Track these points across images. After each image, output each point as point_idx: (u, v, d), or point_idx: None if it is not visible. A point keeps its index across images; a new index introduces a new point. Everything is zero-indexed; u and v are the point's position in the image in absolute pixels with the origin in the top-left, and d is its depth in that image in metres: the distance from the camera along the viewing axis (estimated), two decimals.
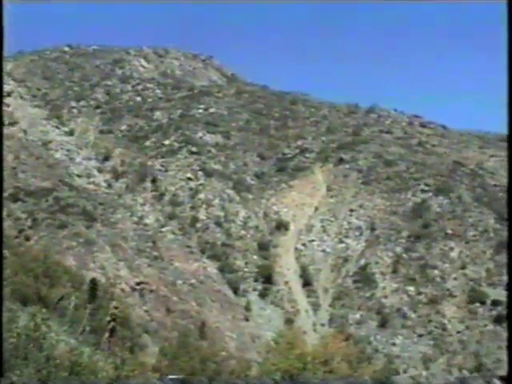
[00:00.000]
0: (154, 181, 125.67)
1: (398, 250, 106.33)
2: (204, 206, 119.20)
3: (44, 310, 19.29)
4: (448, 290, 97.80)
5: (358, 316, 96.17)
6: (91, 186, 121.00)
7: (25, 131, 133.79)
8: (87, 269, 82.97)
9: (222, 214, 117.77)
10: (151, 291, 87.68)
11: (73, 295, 37.93)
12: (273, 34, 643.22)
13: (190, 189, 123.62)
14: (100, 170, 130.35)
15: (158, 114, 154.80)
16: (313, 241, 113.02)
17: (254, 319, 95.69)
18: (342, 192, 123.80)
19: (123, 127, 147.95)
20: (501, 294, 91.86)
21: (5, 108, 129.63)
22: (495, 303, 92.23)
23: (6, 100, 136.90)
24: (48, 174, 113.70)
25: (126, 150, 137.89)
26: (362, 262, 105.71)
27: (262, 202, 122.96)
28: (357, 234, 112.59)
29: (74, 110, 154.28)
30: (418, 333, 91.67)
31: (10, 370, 15.61)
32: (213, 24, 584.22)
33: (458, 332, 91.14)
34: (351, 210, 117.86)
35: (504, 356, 74.99)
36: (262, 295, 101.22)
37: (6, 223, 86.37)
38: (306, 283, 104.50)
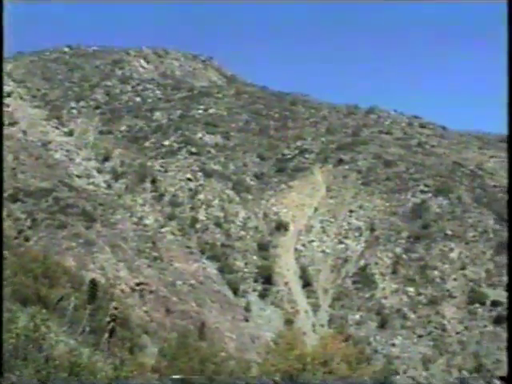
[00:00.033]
0: (153, 181, 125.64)
1: (398, 250, 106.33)
2: (204, 206, 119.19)
3: (43, 311, 19.30)
4: (448, 290, 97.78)
5: (357, 317, 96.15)
6: (91, 187, 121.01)
7: (24, 132, 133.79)
8: (87, 269, 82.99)
9: (221, 214, 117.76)
10: (151, 292, 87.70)
11: (72, 296, 37.93)
12: (272, 34, 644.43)
13: (190, 189, 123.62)
14: (100, 171, 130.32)
15: (157, 114, 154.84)
16: (312, 241, 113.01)
17: (253, 320, 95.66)
18: (341, 193, 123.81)
19: (123, 128, 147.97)
20: (500, 295, 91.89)
21: (4, 108, 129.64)
22: (495, 304, 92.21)
23: (6, 100, 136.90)
24: (48, 175, 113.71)
25: (125, 150, 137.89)
26: (362, 262, 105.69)
27: (262, 203, 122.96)
28: (356, 234, 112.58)
29: (74, 111, 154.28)
30: (418, 333, 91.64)
31: (10, 371, 15.61)
32: (212, 25, 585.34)
33: (458, 333, 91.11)
34: (351, 211, 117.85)
35: (503, 357, 75.09)
36: (262, 296, 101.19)
37: (6, 223, 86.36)
38: (306, 284, 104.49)
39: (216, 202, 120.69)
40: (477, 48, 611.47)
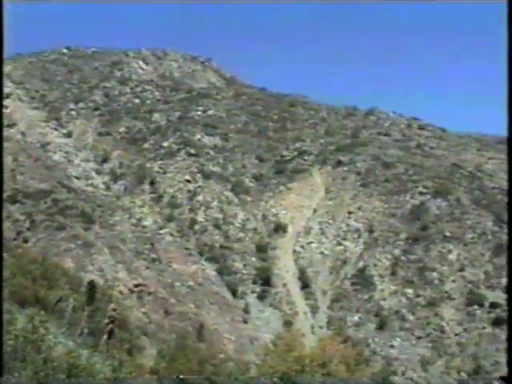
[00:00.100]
0: (152, 183, 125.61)
1: (397, 252, 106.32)
2: (202, 208, 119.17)
3: (42, 312, 19.30)
4: (446, 292, 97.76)
5: (356, 318, 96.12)
6: (89, 188, 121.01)
7: (23, 133, 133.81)
8: (85, 271, 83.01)
9: (220, 216, 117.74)
10: (149, 293, 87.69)
11: (71, 297, 37.96)
12: (271, 36, 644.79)
13: (189, 191, 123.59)
14: (98, 172, 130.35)
15: (156, 115, 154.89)
16: (311, 243, 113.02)
17: (252, 321, 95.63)
18: (340, 194, 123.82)
19: (122, 129, 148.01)
20: (499, 297, 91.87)
21: (3, 110, 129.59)
22: (493, 306, 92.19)
23: (5, 102, 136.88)
24: (46, 176, 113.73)
25: (124, 152, 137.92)
26: (361, 264, 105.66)
27: (261, 204, 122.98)
28: (355, 236, 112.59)
29: (73, 112, 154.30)
30: (417, 335, 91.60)
31: (9, 372, 15.61)
32: (211, 26, 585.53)
33: (457, 334, 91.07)
34: (349, 213, 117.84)
35: (502, 358, 75.13)
36: (261, 297, 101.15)
37: (5, 225, 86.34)
38: (305, 285, 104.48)
39: (215, 203, 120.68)
40: (476, 49, 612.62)
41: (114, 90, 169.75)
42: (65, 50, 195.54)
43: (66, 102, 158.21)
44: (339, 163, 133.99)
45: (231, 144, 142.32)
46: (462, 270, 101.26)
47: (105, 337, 25.70)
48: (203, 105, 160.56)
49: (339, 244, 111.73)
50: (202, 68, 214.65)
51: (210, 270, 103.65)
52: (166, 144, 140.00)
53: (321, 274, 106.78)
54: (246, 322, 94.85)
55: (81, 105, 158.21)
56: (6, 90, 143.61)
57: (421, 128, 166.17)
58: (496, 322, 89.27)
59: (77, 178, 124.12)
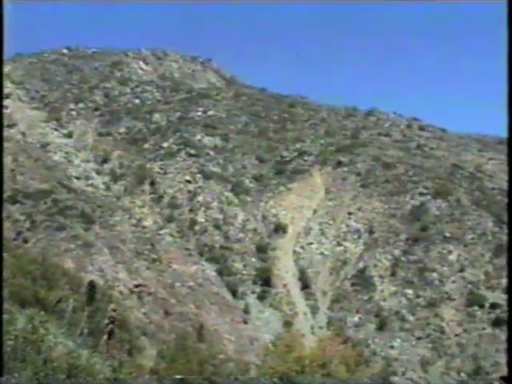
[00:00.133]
0: (152, 183, 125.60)
1: (397, 252, 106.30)
2: (202, 208, 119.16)
3: (42, 313, 19.29)
4: (446, 293, 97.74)
5: (356, 319, 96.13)
6: (89, 189, 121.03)
7: (23, 133, 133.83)
8: (85, 271, 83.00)
9: (220, 216, 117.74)
10: (149, 294, 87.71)
11: (71, 298, 37.94)
12: (271, 36, 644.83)
13: (189, 191, 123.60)
14: (98, 173, 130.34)
15: (156, 116, 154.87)
16: (311, 243, 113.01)
17: (252, 322, 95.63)
18: (340, 195, 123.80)
19: (122, 129, 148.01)
20: (499, 297, 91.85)
21: (3, 110, 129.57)
22: (493, 306, 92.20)
23: (5, 102, 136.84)
24: (46, 176, 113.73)
25: (124, 152, 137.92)
26: (361, 264, 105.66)
27: (261, 205, 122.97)
28: (355, 236, 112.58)
29: (73, 113, 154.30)
30: (417, 336, 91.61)
31: (8, 373, 15.59)
32: (211, 26, 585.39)
33: (457, 335, 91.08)
34: (349, 213, 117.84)
35: (502, 359, 75.06)
36: (261, 298, 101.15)
37: (5, 225, 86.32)
38: (305, 286, 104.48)
39: (215, 204, 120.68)
40: (476, 49, 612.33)
41: (114, 91, 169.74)
42: (65, 51, 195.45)
43: (66, 102, 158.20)
44: (339, 164, 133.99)
45: (231, 144, 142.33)
46: (462, 270, 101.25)
47: (105, 337, 25.68)
48: (203, 105, 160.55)
49: (339, 244, 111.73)
50: (202, 68, 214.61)
51: (210, 270, 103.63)
52: (166, 144, 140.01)
53: (321, 274, 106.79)
54: (245, 322, 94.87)
55: (81, 105, 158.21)
56: (6, 91, 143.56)
57: (421, 129, 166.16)
58: (496, 323, 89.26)
59: (77, 178, 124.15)
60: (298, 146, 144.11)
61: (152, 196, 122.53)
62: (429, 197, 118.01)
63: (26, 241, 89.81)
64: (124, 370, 19.59)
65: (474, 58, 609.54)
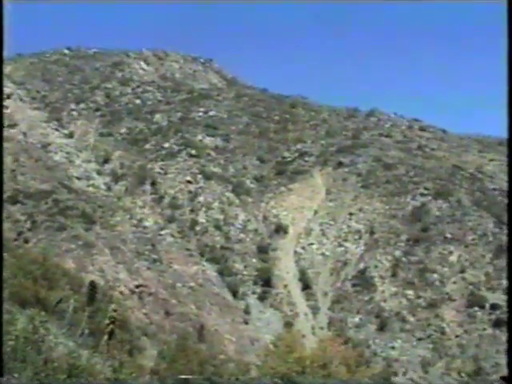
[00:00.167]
0: (153, 184, 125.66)
1: (397, 253, 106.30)
2: (203, 209, 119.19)
3: (42, 313, 19.28)
4: (447, 293, 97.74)
5: (356, 319, 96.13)
6: (90, 189, 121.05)
7: (24, 133, 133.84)
8: (86, 271, 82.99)
9: (221, 217, 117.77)
10: (150, 294, 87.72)
11: (72, 298, 37.90)
12: (273, 37, 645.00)
13: (190, 192, 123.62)
14: (99, 173, 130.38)
15: (157, 116, 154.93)
16: (312, 244, 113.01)
17: (252, 322, 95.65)
18: (341, 195, 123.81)
19: (123, 130, 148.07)
20: (500, 298, 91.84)
21: (4, 110, 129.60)
22: (494, 307, 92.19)
23: (6, 102, 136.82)
24: (47, 177, 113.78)
25: (125, 152, 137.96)
26: (361, 265, 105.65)
27: (262, 206, 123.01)
28: (356, 237, 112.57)
29: (74, 113, 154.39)
30: (417, 336, 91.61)
31: (8, 373, 15.60)
32: (213, 27, 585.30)
33: (457, 336, 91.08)
34: (350, 214, 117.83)
35: (503, 360, 75.02)
36: (261, 298, 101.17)
37: (5, 225, 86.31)
38: (305, 286, 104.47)
39: (216, 204, 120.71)
40: (477, 50, 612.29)
41: (115, 91, 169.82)
42: (66, 51, 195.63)
43: (67, 102, 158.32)
44: (340, 164, 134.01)
45: (232, 145, 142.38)
46: (462, 271, 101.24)
47: (105, 337, 25.64)
48: (204, 106, 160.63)
49: (340, 245, 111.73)
50: (203, 69, 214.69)
51: (211, 270, 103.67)
52: (167, 145, 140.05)
53: (321, 275, 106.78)
54: (246, 322, 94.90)
55: (82, 105, 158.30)
56: (7, 91, 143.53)
57: (422, 129, 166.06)
58: (496, 324, 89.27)
59: (78, 178, 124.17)
60: (298, 146, 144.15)
61: (153, 196, 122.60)
62: (429, 197, 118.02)
63: (26, 241, 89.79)
64: (124, 371, 19.58)
65: (475, 58, 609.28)
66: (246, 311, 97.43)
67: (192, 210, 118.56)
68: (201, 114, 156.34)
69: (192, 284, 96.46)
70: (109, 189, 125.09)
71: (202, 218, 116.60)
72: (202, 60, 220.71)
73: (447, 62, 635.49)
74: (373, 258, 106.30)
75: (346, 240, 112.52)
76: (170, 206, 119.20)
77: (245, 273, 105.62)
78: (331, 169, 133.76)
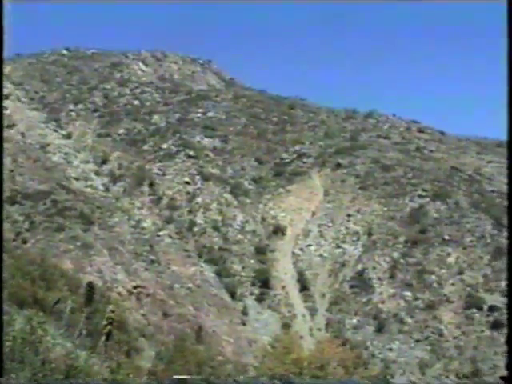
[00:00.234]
0: (151, 184, 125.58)
1: (395, 255, 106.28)
2: (201, 210, 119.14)
3: (40, 314, 19.29)
4: (445, 295, 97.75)
5: (354, 321, 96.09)
6: (89, 190, 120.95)
7: (22, 134, 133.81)
8: (84, 272, 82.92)
9: (219, 218, 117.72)
10: (148, 295, 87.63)
11: (69, 299, 37.95)
12: (271, 38, 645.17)
13: (188, 193, 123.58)
14: (97, 174, 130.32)
15: (156, 117, 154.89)
16: (310, 245, 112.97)
17: (250, 323, 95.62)
18: (339, 197, 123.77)
19: (121, 131, 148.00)
20: (498, 300, 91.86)
21: (3, 111, 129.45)
22: (492, 309, 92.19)
23: (4, 103, 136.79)
24: (45, 177, 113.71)
25: (123, 153, 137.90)
26: (359, 267, 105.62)
27: (260, 207, 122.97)
28: (354, 239, 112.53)
29: (72, 113, 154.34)
30: (415, 338, 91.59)
31: (7, 374, 15.59)
32: (211, 28, 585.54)
33: (455, 337, 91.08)
34: (348, 215, 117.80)
35: (500, 362, 75.17)
36: (259, 299, 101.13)
37: (4, 226, 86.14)
38: (303, 288, 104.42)
39: (214, 205, 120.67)
40: (477, 51, 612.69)
41: (113, 92, 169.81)
42: (64, 51, 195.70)
43: (65, 103, 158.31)
44: (338, 166, 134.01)
45: (230, 146, 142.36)
46: (460, 273, 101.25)
47: (103, 338, 25.67)
48: (203, 107, 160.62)
49: (338, 247, 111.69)
50: (201, 70, 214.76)
51: (209, 271, 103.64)
52: (165, 146, 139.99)
53: (319, 276, 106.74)
54: (244, 324, 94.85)
55: (80, 106, 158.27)
56: (5, 91, 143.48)
57: (420, 131, 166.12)
58: (494, 326, 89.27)
59: (76, 179, 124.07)
60: (297, 147, 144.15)
61: (151, 197, 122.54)
62: (428, 199, 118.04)
63: (24, 241, 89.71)
64: (122, 371, 19.60)
65: (475, 59, 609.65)
66: (244, 312, 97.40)
67: (190, 211, 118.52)
68: (199, 115, 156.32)
69: (190, 285, 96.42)
70: (107, 190, 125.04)
71: (200, 219, 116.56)
72: (200, 61, 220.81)
73: (446, 63, 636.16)
74: (371, 260, 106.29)
75: (344, 241, 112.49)
76: (168, 206, 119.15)
77: (243, 274, 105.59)
78: (329, 170, 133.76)
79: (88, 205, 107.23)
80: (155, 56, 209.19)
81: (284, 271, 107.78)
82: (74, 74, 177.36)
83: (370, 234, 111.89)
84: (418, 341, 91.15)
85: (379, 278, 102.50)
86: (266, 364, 44.40)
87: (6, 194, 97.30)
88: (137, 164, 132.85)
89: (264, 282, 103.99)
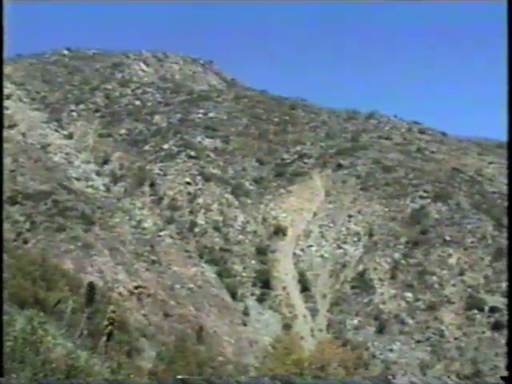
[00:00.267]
0: (152, 185, 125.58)
1: (396, 256, 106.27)
2: (202, 210, 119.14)
3: (41, 314, 19.25)
4: (446, 296, 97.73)
5: (355, 322, 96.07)
6: (90, 190, 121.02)
7: (24, 134, 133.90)
8: (85, 272, 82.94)
9: (220, 218, 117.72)
10: (149, 295, 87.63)
11: (70, 299, 37.92)
12: (272, 38, 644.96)
13: (189, 193, 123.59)
14: (99, 174, 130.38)
15: (157, 118, 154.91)
16: (311, 246, 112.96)
17: (251, 324, 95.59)
18: (340, 198, 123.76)
19: (122, 131, 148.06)
20: (499, 301, 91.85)
21: (4, 111, 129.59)
22: (493, 310, 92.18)
23: (5, 103, 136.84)
24: (47, 178, 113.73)
25: (124, 153, 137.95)
26: (360, 267, 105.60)
27: (261, 207, 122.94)
28: (355, 239, 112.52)
29: (74, 114, 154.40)
30: (416, 339, 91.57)
31: (7, 373, 15.57)
32: (212, 28, 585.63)
33: (456, 338, 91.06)
34: (349, 216, 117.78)
35: (501, 363, 75.15)
36: (260, 300, 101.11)
37: (4, 226, 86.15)
38: (304, 288, 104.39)
39: (215, 206, 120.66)
40: (477, 51, 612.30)
41: (114, 92, 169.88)
42: (65, 52, 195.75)
43: (66, 103, 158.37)
44: (339, 166, 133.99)
45: (231, 146, 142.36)
46: (461, 274, 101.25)
47: (104, 338, 25.66)
48: (204, 107, 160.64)
49: (339, 247, 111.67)
50: (202, 70, 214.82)
51: (210, 272, 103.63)
52: (166, 146, 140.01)
53: (320, 277, 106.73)
54: (245, 324, 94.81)
55: (81, 106, 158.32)
56: (6, 91, 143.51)
57: (421, 132, 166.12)
58: (495, 327, 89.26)
59: (77, 179, 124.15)
60: (298, 148, 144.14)
61: (152, 198, 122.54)
62: (429, 200, 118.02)
63: (25, 242, 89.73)
64: (123, 372, 19.58)
65: (475, 59, 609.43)
66: (245, 313, 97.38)
67: (191, 212, 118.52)
68: (200, 115, 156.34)
69: (191, 285, 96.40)
70: (108, 190, 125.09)
71: (201, 220, 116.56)
72: (201, 61, 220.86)
73: (447, 64, 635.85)
74: (372, 261, 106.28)
75: (345, 242, 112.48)
76: (169, 207, 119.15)
77: (244, 274, 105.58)
78: (330, 171, 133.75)
79: (89, 205, 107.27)
80: (156, 56, 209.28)
81: (285, 272, 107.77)
82: (76, 74, 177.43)
83: (371, 235, 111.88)
84: (418, 342, 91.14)
85: (380, 279, 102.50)
86: (266, 364, 44.43)
87: (7, 194, 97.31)
88: (138, 164, 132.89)
89: (265, 282, 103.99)
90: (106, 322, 26.16)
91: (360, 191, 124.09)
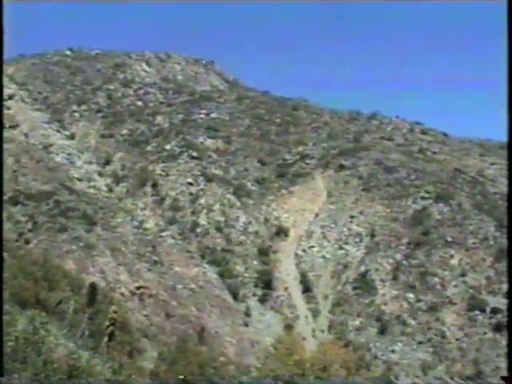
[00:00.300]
0: (154, 185, 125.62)
1: (398, 256, 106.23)
2: (204, 211, 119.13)
3: (43, 314, 19.26)
4: (448, 297, 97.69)
5: (357, 322, 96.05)
6: (92, 190, 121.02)
7: (26, 134, 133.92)
8: (87, 273, 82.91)
9: (222, 219, 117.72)
10: (151, 296, 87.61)
11: (72, 299, 37.88)
12: (274, 39, 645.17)
13: (191, 194, 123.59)
14: (101, 174, 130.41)
15: (159, 118, 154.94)
16: (313, 247, 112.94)
17: (253, 324, 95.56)
18: (342, 198, 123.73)
19: (124, 131, 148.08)
20: (500, 302, 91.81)
21: (6, 111, 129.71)
22: (495, 311, 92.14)
23: (7, 103, 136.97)
24: (48, 178, 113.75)
25: (126, 154, 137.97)
26: (362, 268, 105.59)
27: (263, 208, 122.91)
28: (357, 240, 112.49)
29: (76, 114, 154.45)
30: (418, 340, 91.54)
31: (9, 373, 15.58)
32: (214, 29, 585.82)
33: (458, 339, 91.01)
34: (351, 217, 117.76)
35: (503, 364, 75.07)
36: (262, 301, 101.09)
37: (6, 226, 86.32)
38: (306, 289, 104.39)
39: (217, 206, 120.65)
40: (477, 51, 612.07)
41: (116, 92, 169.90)
42: (68, 52, 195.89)
43: (68, 103, 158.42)
44: (341, 167, 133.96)
45: (233, 147, 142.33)
46: (463, 275, 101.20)
47: (105, 339, 25.61)
48: (206, 108, 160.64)
49: (341, 248, 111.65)
50: (204, 71, 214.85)
51: (212, 272, 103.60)
52: (168, 147, 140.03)
53: (322, 277, 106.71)
54: (246, 325, 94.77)
55: (84, 107, 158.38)
56: (8, 92, 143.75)
57: (423, 133, 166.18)
58: (497, 328, 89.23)
59: (79, 179, 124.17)
60: (300, 149, 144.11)
61: (154, 198, 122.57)
62: (431, 201, 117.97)
63: (27, 242, 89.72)
64: (124, 372, 19.59)
65: (475, 60, 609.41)
66: (247, 313, 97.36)
67: (193, 212, 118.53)
68: (202, 116, 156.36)
69: (192, 286, 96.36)
70: (110, 190, 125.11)
71: (202, 220, 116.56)
72: (203, 62, 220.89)
73: (449, 66, 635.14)
74: (374, 261, 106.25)
75: (346, 243, 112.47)
76: (171, 207, 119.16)
77: (245, 275, 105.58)
78: (332, 171, 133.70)
79: (91, 205, 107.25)
80: (158, 57, 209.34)
81: (287, 272, 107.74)
82: (78, 75, 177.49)
83: (372, 236, 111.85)
84: (420, 342, 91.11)
85: (382, 280, 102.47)
86: (268, 365, 44.38)
87: (9, 194, 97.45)
88: (140, 165, 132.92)
89: (267, 283, 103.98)
90: (107, 323, 26.12)
91: (362, 192, 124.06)
